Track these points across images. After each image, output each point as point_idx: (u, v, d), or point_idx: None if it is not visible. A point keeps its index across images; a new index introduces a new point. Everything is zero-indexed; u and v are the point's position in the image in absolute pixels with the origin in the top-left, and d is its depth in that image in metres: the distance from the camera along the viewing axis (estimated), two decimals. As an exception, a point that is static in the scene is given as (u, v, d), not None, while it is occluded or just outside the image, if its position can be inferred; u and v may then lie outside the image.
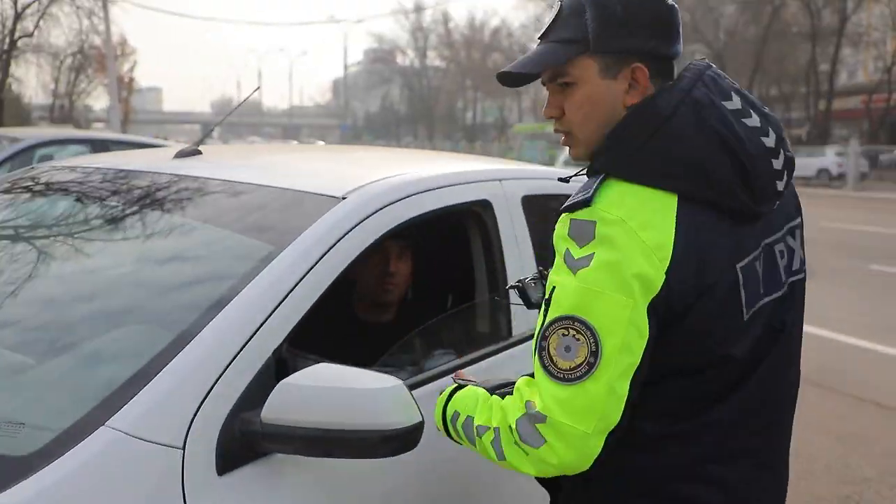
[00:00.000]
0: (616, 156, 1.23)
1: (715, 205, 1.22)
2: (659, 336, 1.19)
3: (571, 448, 1.17)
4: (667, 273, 1.16)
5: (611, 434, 1.19)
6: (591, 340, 1.15)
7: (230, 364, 1.31)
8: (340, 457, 1.29)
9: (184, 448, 1.22)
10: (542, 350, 1.21)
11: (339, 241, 1.56)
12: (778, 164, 1.26)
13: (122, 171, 1.97)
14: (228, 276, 1.48)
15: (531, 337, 2.02)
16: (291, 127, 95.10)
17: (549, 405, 1.17)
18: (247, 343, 1.35)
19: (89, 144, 6.67)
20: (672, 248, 1.17)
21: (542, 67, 1.30)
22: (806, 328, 1.45)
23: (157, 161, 2.03)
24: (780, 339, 1.32)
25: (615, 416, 1.18)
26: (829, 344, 6.04)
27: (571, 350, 1.17)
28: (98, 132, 8.79)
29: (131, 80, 42.49)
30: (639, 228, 1.16)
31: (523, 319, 2.05)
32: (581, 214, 1.20)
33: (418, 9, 66.70)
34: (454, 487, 1.73)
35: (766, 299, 1.28)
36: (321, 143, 55.72)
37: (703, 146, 1.20)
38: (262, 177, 1.83)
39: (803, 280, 1.39)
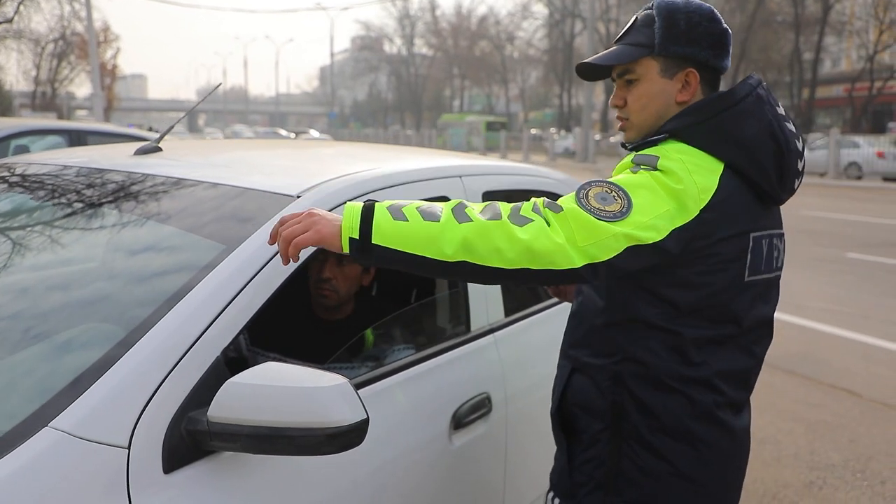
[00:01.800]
0: (687, 123, 1.51)
1: (750, 181, 1.50)
2: (676, 263, 1.45)
3: (569, 241, 1.34)
4: (701, 211, 1.42)
5: (593, 267, 1.36)
6: (626, 205, 1.39)
7: (178, 363, 1.33)
8: (286, 454, 1.31)
9: (129, 447, 1.23)
10: (580, 191, 1.42)
11: (291, 240, 1.57)
12: (799, 165, 1.57)
13: (78, 168, 1.97)
14: (179, 275, 1.49)
15: (489, 332, 2.08)
16: (278, 115, 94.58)
17: (569, 209, 1.37)
18: (195, 342, 1.36)
19: (66, 135, 6.60)
20: (711, 195, 1.43)
21: (616, 61, 1.59)
22: (784, 317, 1.77)
23: (115, 158, 2.03)
24: (767, 315, 1.60)
25: (604, 255, 1.36)
26: (807, 333, 6.10)
27: (606, 200, 1.39)
28: (76, 123, 8.69)
29: (115, 67, 42.08)
30: (693, 171, 1.44)
31: (482, 314, 2.07)
32: (647, 151, 1.49)
33: (405, -4, 66.36)
34: (403, 485, 1.75)
35: (763, 276, 1.55)
36: (314, 131, 55.29)
37: (757, 131, 1.49)
38: (219, 175, 1.83)
39: (779, 277, 1.66)
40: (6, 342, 1.46)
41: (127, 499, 1.22)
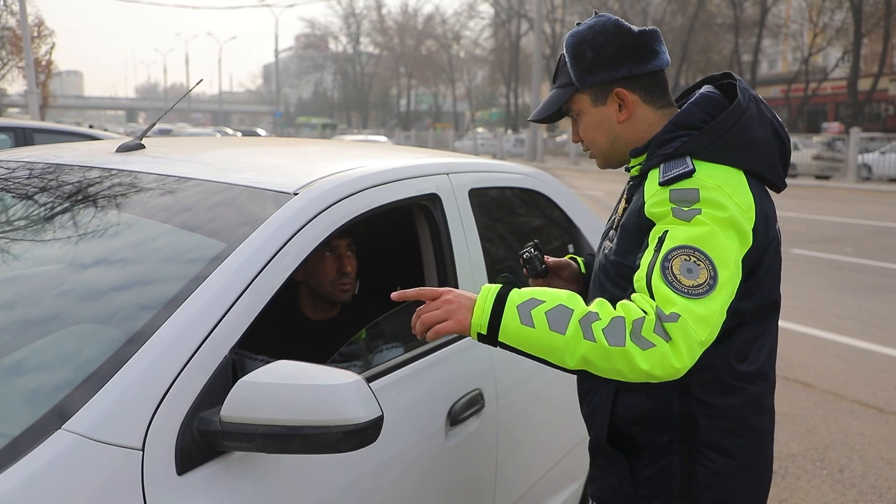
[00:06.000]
0: (704, 143, 1.50)
1: (764, 179, 1.55)
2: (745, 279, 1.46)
3: (689, 353, 1.35)
4: (753, 231, 1.46)
5: (704, 351, 1.39)
6: (710, 267, 1.39)
7: (187, 363, 1.30)
8: (301, 452, 1.30)
9: (143, 449, 1.21)
10: (665, 270, 1.40)
11: (292, 237, 1.55)
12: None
13: (65, 165, 1.91)
14: (182, 274, 1.46)
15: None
16: (221, 113, 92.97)
17: (679, 310, 1.36)
18: (204, 341, 1.34)
19: (11, 133, 6.36)
20: (754, 210, 1.47)
21: (551, 109, 1.65)
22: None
23: (100, 156, 1.97)
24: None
25: (715, 335, 1.40)
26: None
27: (693, 272, 1.39)
28: (20, 120, 8.39)
29: (50, 63, 40.64)
30: (732, 194, 1.45)
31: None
32: (682, 184, 1.46)
33: (350, -6, 65.95)
34: (404, 481, 1.75)
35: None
36: (262, 130, 54.62)
37: (763, 132, 1.54)
38: (211, 172, 1.80)
39: None
40: (15, 344, 1.42)
41: (142, 501, 1.19)
